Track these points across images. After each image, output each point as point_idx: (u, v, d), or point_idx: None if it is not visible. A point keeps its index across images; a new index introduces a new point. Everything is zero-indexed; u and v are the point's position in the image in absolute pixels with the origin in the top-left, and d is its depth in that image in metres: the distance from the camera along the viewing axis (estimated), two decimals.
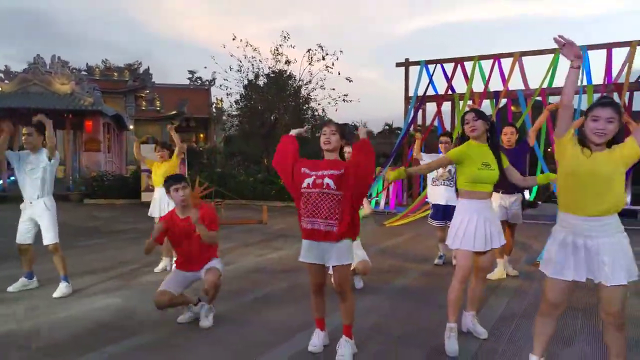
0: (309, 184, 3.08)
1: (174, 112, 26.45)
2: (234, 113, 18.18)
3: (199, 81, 30.87)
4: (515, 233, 5.60)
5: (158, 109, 27.45)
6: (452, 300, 3.34)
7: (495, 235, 3.39)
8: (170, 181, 3.83)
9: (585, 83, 10.94)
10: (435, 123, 13.30)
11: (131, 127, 24.97)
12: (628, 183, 11.05)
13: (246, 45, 16.22)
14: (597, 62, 11.14)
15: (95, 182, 15.32)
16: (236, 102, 17.22)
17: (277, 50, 16.22)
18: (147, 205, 6.51)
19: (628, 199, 11.20)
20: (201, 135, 30.38)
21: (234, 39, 16.36)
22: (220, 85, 17.39)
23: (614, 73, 10.94)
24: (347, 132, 3.29)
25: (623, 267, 2.45)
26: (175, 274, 3.91)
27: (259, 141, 16.83)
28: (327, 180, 3.04)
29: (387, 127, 34.85)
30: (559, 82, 12.07)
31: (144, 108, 27.06)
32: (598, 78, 11.04)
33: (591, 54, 11.12)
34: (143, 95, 27.05)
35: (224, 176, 15.35)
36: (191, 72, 30.90)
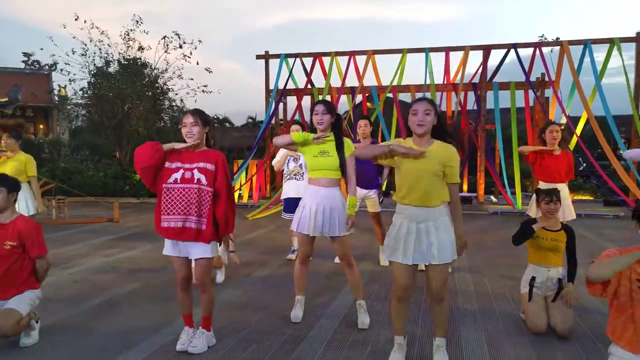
0: (176, 179, 2.91)
1: (4, 100, 23.10)
2: (80, 102, 16.37)
3: (37, 65, 27.32)
4: (381, 221, 5.51)
5: None
6: (294, 278, 3.76)
7: (328, 223, 3.43)
8: None
9: (428, 82, 12.03)
10: (296, 117, 13.53)
11: None
12: (463, 172, 12.44)
13: (91, 27, 14.70)
14: (438, 64, 12.33)
15: None
16: (82, 89, 15.53)
17: (128, 35, 14.98)
18: None
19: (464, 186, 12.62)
20: (41, 126, 26.96)
21: (76, 19, 14.71)
22: (62, 70, 15.53)
23: (452, 74, 12.19)
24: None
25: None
26: None
27: (110, 133, 15.42)
28: (197, 174, 2.91)
29: (250, 120, 34.62)
30: (407, 80, 13.13)
31: None
32: (438, 78, 12.22)
33: (432, 55, 12.24)
34: None
35: (68, 171, 13.81)
36: (26, 54, 27.19)
